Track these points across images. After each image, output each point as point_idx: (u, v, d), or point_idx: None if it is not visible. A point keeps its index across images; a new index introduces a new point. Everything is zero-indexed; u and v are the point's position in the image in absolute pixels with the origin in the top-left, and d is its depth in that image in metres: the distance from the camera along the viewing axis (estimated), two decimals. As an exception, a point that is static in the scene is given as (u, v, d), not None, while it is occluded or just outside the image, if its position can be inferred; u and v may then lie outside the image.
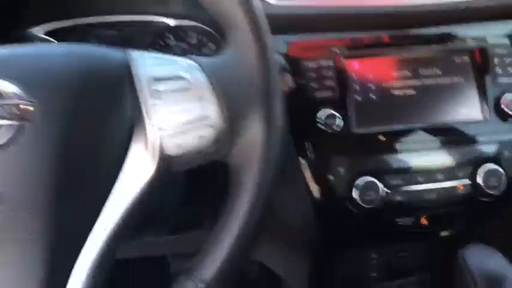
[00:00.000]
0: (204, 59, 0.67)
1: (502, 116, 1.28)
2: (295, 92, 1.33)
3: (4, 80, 0.50)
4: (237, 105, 0.63)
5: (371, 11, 1.33)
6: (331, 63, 1.30)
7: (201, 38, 1.32)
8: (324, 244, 1.36)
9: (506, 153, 1.35)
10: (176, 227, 1.33)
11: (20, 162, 0.50)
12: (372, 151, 1.30)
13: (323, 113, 1.28)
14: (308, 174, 1.27)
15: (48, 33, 1.19)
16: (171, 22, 1.31)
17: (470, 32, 1.33)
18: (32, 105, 0.50)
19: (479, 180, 1.18)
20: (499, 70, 1.30)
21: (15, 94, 0.49)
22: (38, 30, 1.18)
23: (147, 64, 0.61)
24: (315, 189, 1.26)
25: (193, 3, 1.10)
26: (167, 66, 0.63)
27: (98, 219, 0.54)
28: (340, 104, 1.29)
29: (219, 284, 0.62)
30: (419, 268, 1.52)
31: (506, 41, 1.41)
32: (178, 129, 0.59)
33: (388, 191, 1.14)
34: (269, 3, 1.36)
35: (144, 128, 0.57)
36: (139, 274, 1.63)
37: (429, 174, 1.28)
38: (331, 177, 1.26)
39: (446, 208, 1.22)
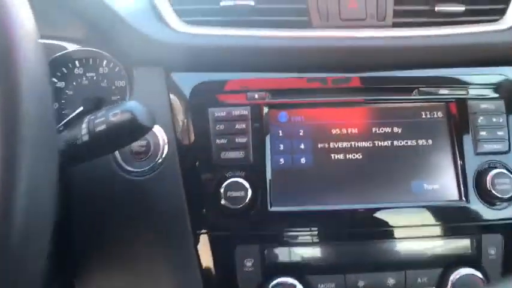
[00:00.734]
0: None
1: (486, 197, 1.00)
2: (196, 149, 0.96)
3: None
4: None
5: (308, 44, 1.01)
6: (246, 112, 0.93)
7: None
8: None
9: (491, 252, 0.95)
10: None
11: None
12: (289, 240, 0.98)
13: (229, 183, 0.90)
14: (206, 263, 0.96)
15: None
16: None
17: (444, 79, 1.07)
18: None
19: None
20: (482, 132, 1.03)
21: None
22: None
23: None
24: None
25: None
26: None
27: None
28: (253, 172, 0.98)
29: None
30: None
31: (492, 92, 1.03)
32: None
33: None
34: (174, 30, 1.01)
35: None
36: None
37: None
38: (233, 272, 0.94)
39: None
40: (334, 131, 1.01)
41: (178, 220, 0.97)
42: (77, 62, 1.08)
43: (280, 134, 1.00)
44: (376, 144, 1.01)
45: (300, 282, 0.92)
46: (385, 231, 0.98)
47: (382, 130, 1.02)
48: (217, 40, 1.01)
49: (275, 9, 1.04)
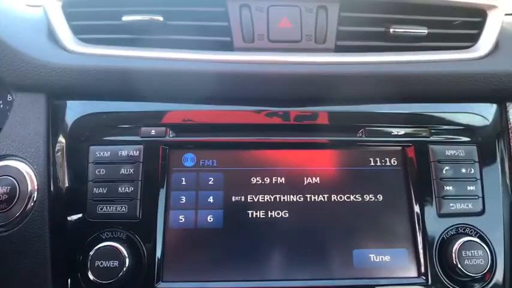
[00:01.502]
0: None
1: (451, 275, 0.77)
2: (68, 200, 0.74)
3: None
4: None
5: (224, 70, 0.81)
6: (137, 152, 0.70)
7: None
8: None
9: None
10: None
11: None
12: None
13: (99, 249, 0.66)
14: None
15: None
16: None
17: (399, 116, 0.87)
18: None
19: None
20: (448, 187, 0.81)
21: None
22: None
23: None
24: None
25: None
26: None
27: None
28: (138, 233, 0.75)
29: None
30: None
31: (461, 136, 0.81)
32: None
33: None
34: (63, 50, 0.82)
35: None
36: None
37: None
38: None
39: None
40: (254, 180, 0.78)
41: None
42: None
43: (183, 183, 0.77)
44: (308, 199, 0.78)
45: None
46: None
47: (316, 180, 0.79)
48: (110, 61, 0.81)
49: (190, 27, 0.84)
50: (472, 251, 0.74)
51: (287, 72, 0.80)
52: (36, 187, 0.77)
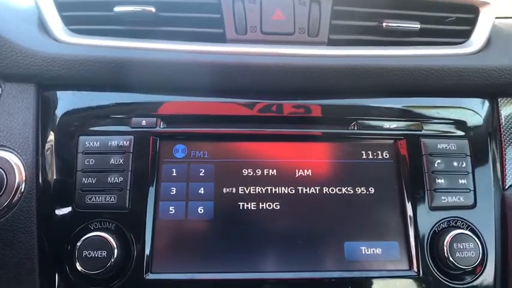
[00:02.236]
0: None
1: (443, 267, 0.76)
2: (57, 190, 0.76)
3: None
4: None
5: (217, 61, 0.81)
6: (127, 142, 0.69)
7: None
8: None
9: None
10: None
11: None
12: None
13: (87, 239, 0.65)
14: None
15: None
16: None
17: (391, 110, 0.86)
18: None
19: None
20: (440, 180, 0.81)
21: None
22: None
23: None
24: None
25: None
26: None
27: None
28: (127, 224, 0.73)
29: None
30: None
31: (453, 129, 0.80)
32: None
33: None
34: (54, 40, 0.82)
35: None
36: None
37: None
38: None
39: None
40: (245, 172, 0.78)
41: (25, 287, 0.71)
42: None
43: (174, 174, 0.77)
44: (300, 192, 0.77)
45: None
46: None
47: (308, 173, 0.78)
48: (101, 52, 0.80)
49: (183, 18, 0.83)
50: (463, 244, 0.73)
51: (279, 64, 0.80)
52: (24, 178, 0.76)
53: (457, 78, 0.84)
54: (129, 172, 0.74)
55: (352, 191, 0.78)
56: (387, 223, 0.76)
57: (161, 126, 0.78)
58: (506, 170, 0.85)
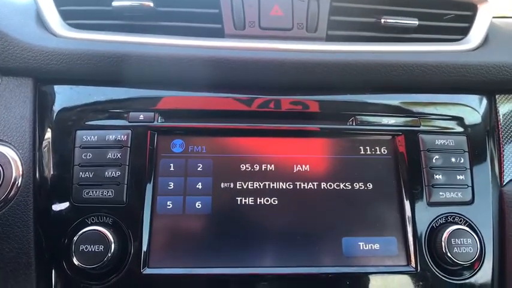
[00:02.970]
0: None
1: (440, 263, 0.76)
2: (54, 184, 0.77)
3: None
4: None
5: (215, 56, 0.80)
6: (124, 137, 0.69)
7: None
8: None
9: None
10: None
11: None
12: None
13: (84, 233, 0.65)
14: None
15: None
16: None
17: (389, 106, 0.85)
18: None
19: None
20: (438, 176, 0.81)
21: None
22: None
23: None
24: None
25: None
26: None
27: None
28: (125, 218, 0.73)
29: None
30: None
31: (451, 126, 0.81)
32: None
33: None
34: (52, 34, 0.82)
35: None
36: None
37: None
38: None
39: None
40: (243, 167, 0.77)
41: (21, 281, 0.71)
42: None
43: (171, 169, 0.76)
44: (298, 187, 0.77)
45: None
46: None
47: (306, 168, 0.78)
48: (98, 46, 0.79)
49: (181, 13, 0.83)
50: (461, 239, 0.73)
51: (278, 60, 0.79)
52: (21, 173, 0.75)
53: (455, 75, 0.84)
54: (127, 166, 0.74)
55: (350, 187, 0.78)
56: (385, 219, 0.76)
57: (159, 121, 0.78)
58: (504, 167, 0.85)
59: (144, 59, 0.78)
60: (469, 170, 0.81)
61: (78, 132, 0.76)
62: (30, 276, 0.71)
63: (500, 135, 0.87)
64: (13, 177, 0.75)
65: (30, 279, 0.71)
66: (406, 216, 0.76)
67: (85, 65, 0.78)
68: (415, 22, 0.87)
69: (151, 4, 0.82)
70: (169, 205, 0.74)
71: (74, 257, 0.67)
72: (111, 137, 0.75)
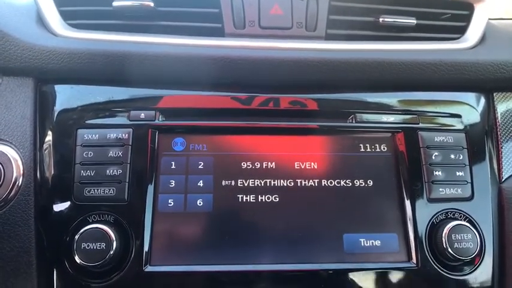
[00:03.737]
0: None
1: (441, 259, 0.77)
2: (55, 183, 0.76)
3: None
4: None
5: (215, 55, 0.80)
6: (126, 135, 0.69)
7: None
8: None
9: None
10: None
11: None
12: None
13: (86, 231, 0.65)
14: None
15: None
16: None
17: (389, 104, 0.86)
18: None
19: None
20: (437, 172, 0.81)
21: None
22: None
23: None
24: None
25: None
26: None
27: None
28: (127, 216, 0.73)
29: None
30: None
31: (450, 123, 0.83)
32: None
33: None
34: (52, 34, 0.83)
35: None
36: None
37: None
38: None
39: None
40: (244, 165, 0.78)
41: (22, 280, 0.70)
42: None
43: (173, 167, 0.76)
44: (299, 184, 0.77)
45: None
46: None
47: (307, 165, 0.79)
48: (99, 46, 0.79)
49: (181, 13, 0.84)
50: (462, 235, 0.73)
51: (277, 58, 0.80)
52: (22, 172, 0.75)
53: (453, 73, 0.85)
54: (128, 165, 0.74)
55: (350, 184, 0.78)
56: (386, 215, 0.77)
57: (160, 119, 0.78)
58: (502, 163, 0.86)
59: (144, 58, 0.78)
60: (468, 167, 0.81)
61: (79, 131, 0.76)
62: (32, 275, 0.71)
63: (498, 133, 0.87)
64: (14, 177, 0.75)
65: (32, 278, 0.71)
66: (407, 213, 0.77)
67: (86, 65, 0.78)
68: (413, 21, 0.88)
69: (152, 4, 0.82)
70: (170, 203, 0.74)
71: (76, 255, 0.67)
72: (112, 135, 0.75)
